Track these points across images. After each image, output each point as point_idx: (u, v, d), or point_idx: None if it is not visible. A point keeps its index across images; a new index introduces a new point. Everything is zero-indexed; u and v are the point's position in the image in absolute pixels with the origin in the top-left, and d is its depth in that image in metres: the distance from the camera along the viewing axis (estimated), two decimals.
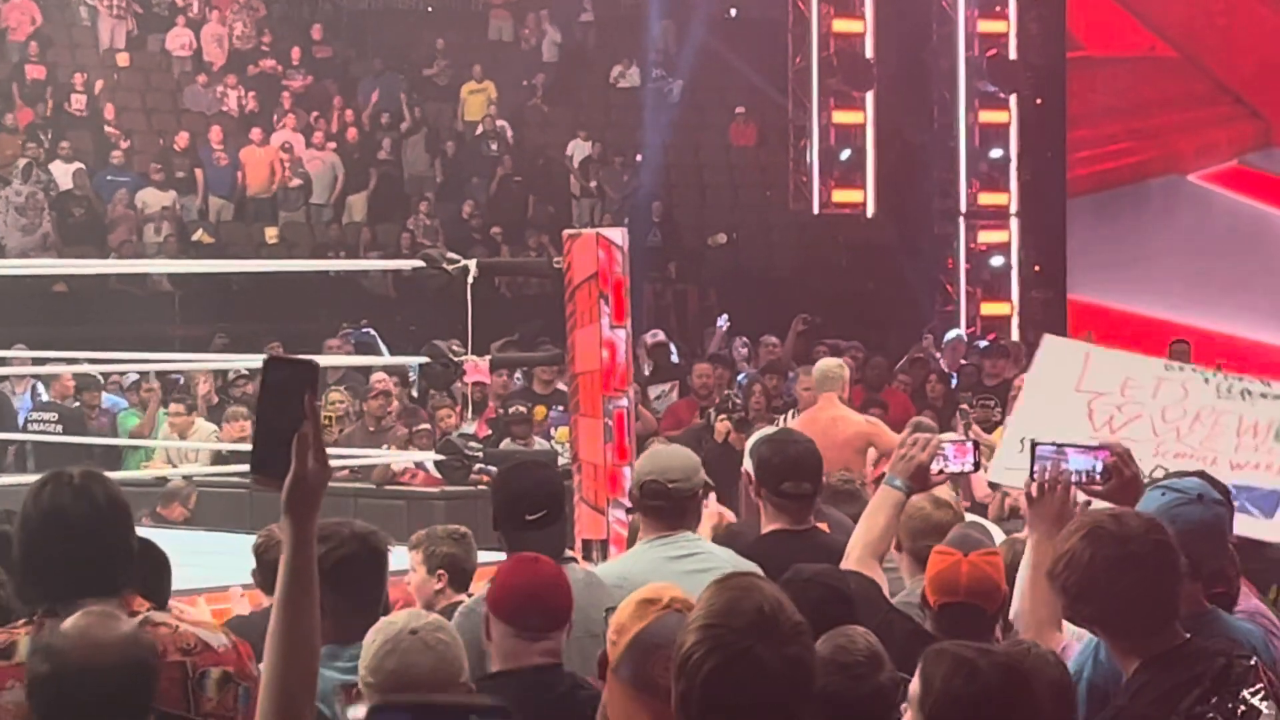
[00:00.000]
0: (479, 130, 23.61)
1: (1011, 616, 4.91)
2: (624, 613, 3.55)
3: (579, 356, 9.30)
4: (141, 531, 4.17)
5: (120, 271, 18.80)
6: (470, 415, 13.01)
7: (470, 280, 9.77)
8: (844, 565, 5.21)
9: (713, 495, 6.64)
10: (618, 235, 9.36)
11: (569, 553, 5.97)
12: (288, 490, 3.06)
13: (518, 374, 14.81)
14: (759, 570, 5.32)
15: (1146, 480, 4.74)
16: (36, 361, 14.65)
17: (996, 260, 21.98)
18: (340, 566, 4.44)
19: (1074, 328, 20.83)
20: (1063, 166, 21.54)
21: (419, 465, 12.54)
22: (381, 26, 25.40)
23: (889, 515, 5.42)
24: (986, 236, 22.06)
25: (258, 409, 3.06)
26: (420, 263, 10.26)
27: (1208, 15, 20.49)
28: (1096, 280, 20.94)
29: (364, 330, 17.96)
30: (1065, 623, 4.39)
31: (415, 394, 15.35)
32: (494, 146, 23.39)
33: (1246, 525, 5.17)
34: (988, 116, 21.88)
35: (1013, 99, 21.78)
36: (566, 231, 10.03)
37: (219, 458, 13.40)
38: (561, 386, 13.94)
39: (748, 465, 6.28)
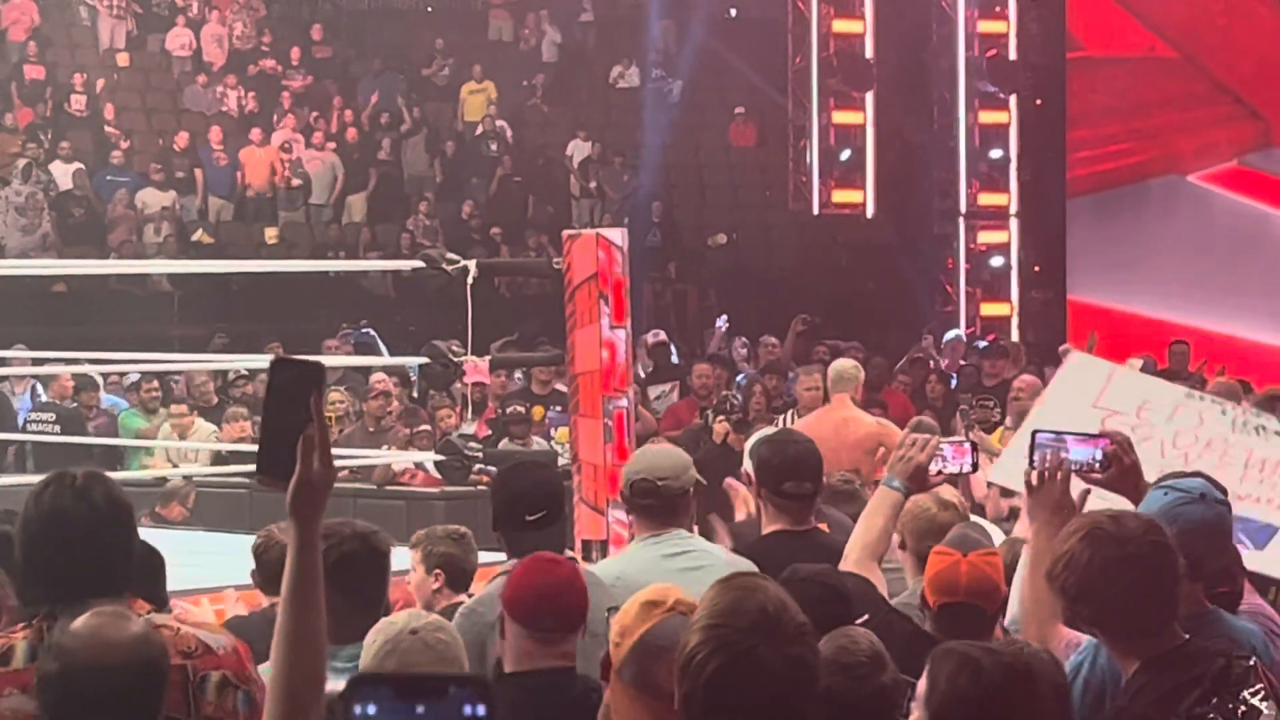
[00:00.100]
0: (479, 130, 23.61)
1: (1009, 621, 4.90)
2: (627, 615, 3.55)
3: (579, 357, 9.30)
4: (140, 532, 4.17)
5: (120, 272, 18.80)
6: (470, 416, 13.01)
7: (470, 281, 9.77)
8: (842, 567, 5.21)
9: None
10: (617, 235, 9.36)
11: (569, 553, 5.98)
12: (292, 492, 3.05)
13: (517, 374, 14.81)
14: (753, 566, 5.34)
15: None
16: (36, 362, 14.65)
17: (996, 260, 21.98)
18: (340, 566, 4.43)
19: (1073, 328, 20.84)
20: (1062, 167, 21.54)
21: (419, 465, 12.54)
22: (381, 26, 25.40)
23: (887, 516, 5.42)
24: (986, 237, 22.06)
25: (264, 411, 3.07)
26: (420, 263, 10.26)
27: (1208, 15, 20.50)
28: (1096, 280, 20.94)
29: (363, 331, 17.96)
30: None
31: (415, 394, 15.35)
32: (494, 147, 23.39)
33: None
34: (987, 117, 21.88)
35: (1013, 99, 21.79)
36: (566, 232, 10.03)
37: (219, 458, 13.41)
38: (560, 387, 13.94)
39: (748, 466, 6.28)
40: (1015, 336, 20.77)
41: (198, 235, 21.36)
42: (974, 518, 6.77)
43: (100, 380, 15.47)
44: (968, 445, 5.62)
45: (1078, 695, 4.13)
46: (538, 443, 12.89)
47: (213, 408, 14.85)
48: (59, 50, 23.06)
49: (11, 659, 3.76)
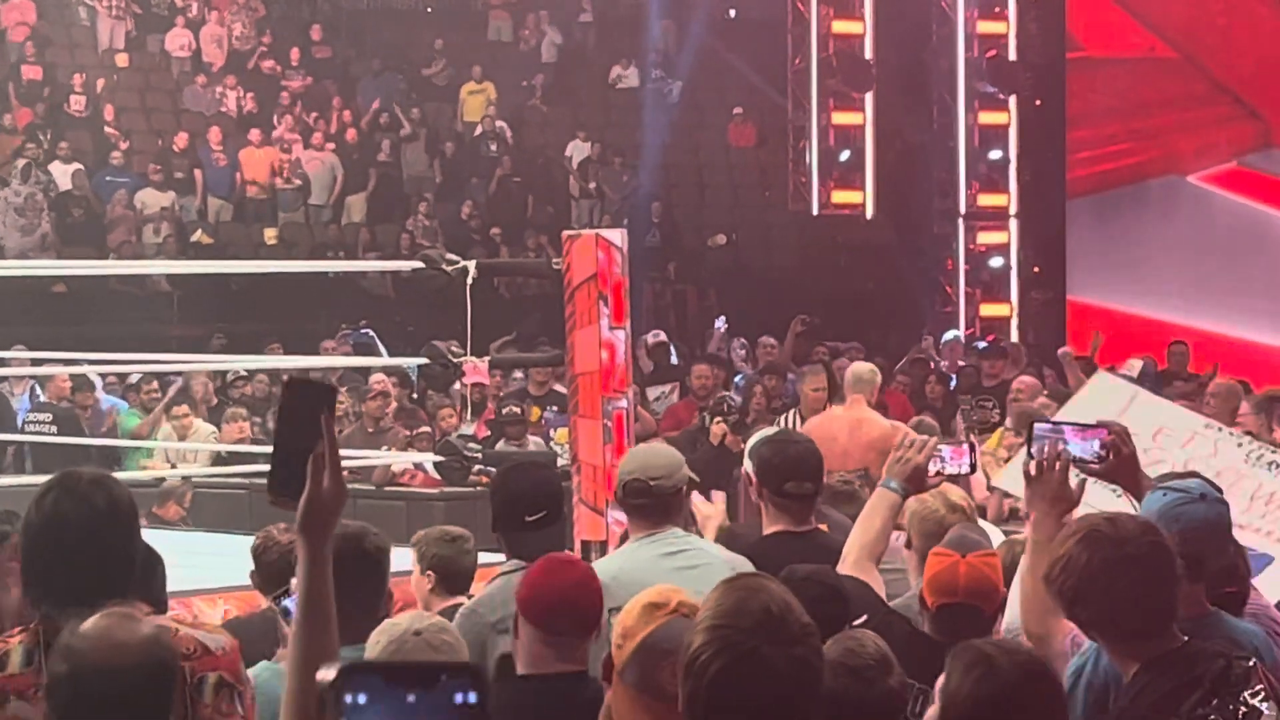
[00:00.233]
0: (478, 131, 23.61)
1: (1006, 626, 4.89)
2: (630, 616, 3.54)
3: (578, 357, 9.29)
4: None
5: (119, 272, 18.80)
6: (469, 416, 13.01)
7: (469, 281, 9.76)
8: (840, 568, 5.21)
9: (721, 496, 6.63)
10: (617, 236, 9.34)
11: (550, 554, 5.96)
12: (302, 511, 3.04)
13: (513, 374, 14.81)
14: (750, 565, 5.34)
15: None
16: (35, 362, 14.65)
17: (996, 261, 21.98)
18: (336, 567, 4.41)
19: (1073, 329, 20.84)
20: (1062, 167, 21.54)
21: (418, 466, 12.54)
22: (381, 27, 25.40)
23: (885, 517, 5.42)
24: (986, 237, 22.06)
25: (276, 431, 3.07)
26: (419, 264, 10.25)
27: (1207, 16, 20.49)
28: (1096, 281, 20.94)
29: (363, 331, 17.96)
30: None
31: (415, 395, 15.35)
32: (493, 147, 23.39)
33: None
34: (987, 117, 21.88)
35: (1012, 100, 21.78)
36: (566, 232, 10.02)
37: (218, 459, 13.40)
38: (558, 388, 13.94)
39: (748, 466, 6.28)
40: (1015, 337, 20.77)
41: (197, 236, 21.36)
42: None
43: (99, 381, 15.48)
44: (966, 446, 5.63)
45: (1080, 697, 4.13)
46: (535, 443, 12.89)
47: (212, 408, 14.86)
48: (58, 50, 23.06)
49: (8, 663, 3.76)
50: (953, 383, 16.25)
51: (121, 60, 23.16)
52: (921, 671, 4.20)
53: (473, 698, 1.48)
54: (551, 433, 13.14)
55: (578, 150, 23.54)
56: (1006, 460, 9.58)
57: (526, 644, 4.31)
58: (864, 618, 4.75)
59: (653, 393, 15.65)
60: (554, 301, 9.83)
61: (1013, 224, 21.94)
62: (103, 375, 15.54)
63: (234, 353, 16.87)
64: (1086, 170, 21.42)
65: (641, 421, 12.11)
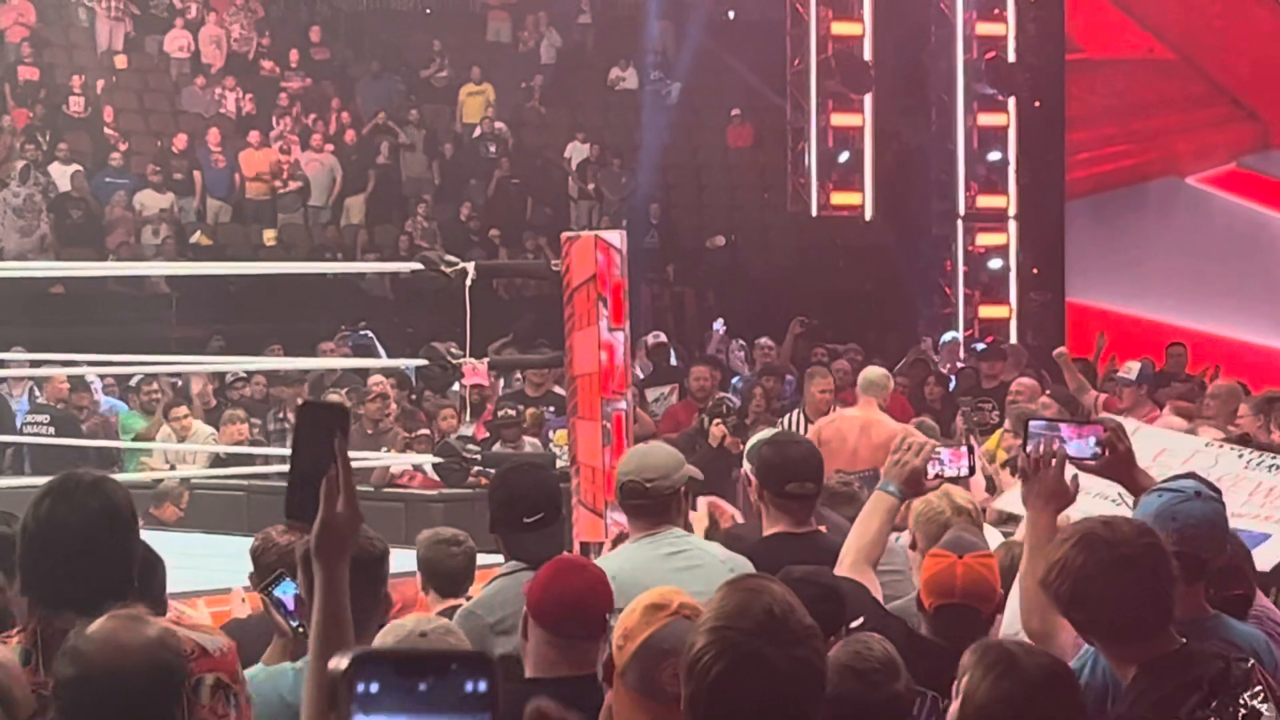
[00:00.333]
0: (477, 132, 23.61)
1: (1005, 628, 4.89)
2: (631, 617, 3.53)
3: (577, 359, 9.29)
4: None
5: (118, 273, 18.80)
6: (468, 418, 13.01)
7: (468, 283, 9.76)
8: (837, 571, 5.20)
9: (704, 503, 6.62)
10: (616, 237, 9.35)
11: (560, 555, 5.96)
12: (315, 535, 3.04)
13: (508, 375, 14.80)
14: (749, 564, 5.34)
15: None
16: (34, 364, 14.65)
17: (995, 263, 21.97)
18: None
19: (1072, 330, 20.83)
20: (1061, 169, 21.53)
21: (417, 468, 12.53)
22: (379, 28, 25.41)
23: (882, 520, 5.42)
24: (985, 239, 22.05)
25: (291, 455, 3.08)
26: (418, 265, 10.26)
27: (1205, 17, 20.49)
28: (1095, 283, 20.94)
29: (361, 333, 17.96)
30: None
31: (415, 396, 15.35)
32: (492, 148, 23.39)
33: None
34: (986, 119, 21.87)
35: (1011, 101, 21.77)
36: (565, 234, 10.03)
37: (217, 460, 13.41)
38: (556, 389, 13.94)
39: (747, 468, 6.28)
40: (1014, 338, 20.76)
41: (196, 237, 21.37)
42: None
43: (99, 382, 15.48)
44: (965, 449, 5.63)
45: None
46: (531, 444, 12.90)
47: (211, 410, 14.86)
48: (57, 52, 23.06)
49: None
50: (951, 384, 16.25)
51: (120, 62, 23.16)
52: (919, 674, 4.20)
53: (483, 686, 1.49)
54: (551, 434, 13.15)
55: (576, 151, 23.54)
56: (1008, 458, 9.59)
57: (535, 647, 4.28)
58: (860, 620, 4.75)
59: (652, 394, 15.65)
60: (551, 303, 9.84)
61: (1011, 225, 21.93)
62: (101, 376, 15.54)
63: (233, 354, 16.87)
64: (1085, 172, 21.41)
65: (640, 423, 12.11)
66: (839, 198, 22.21)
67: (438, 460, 10.85)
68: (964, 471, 5.60)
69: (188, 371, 15.06)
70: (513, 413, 12.99)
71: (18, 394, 15.51)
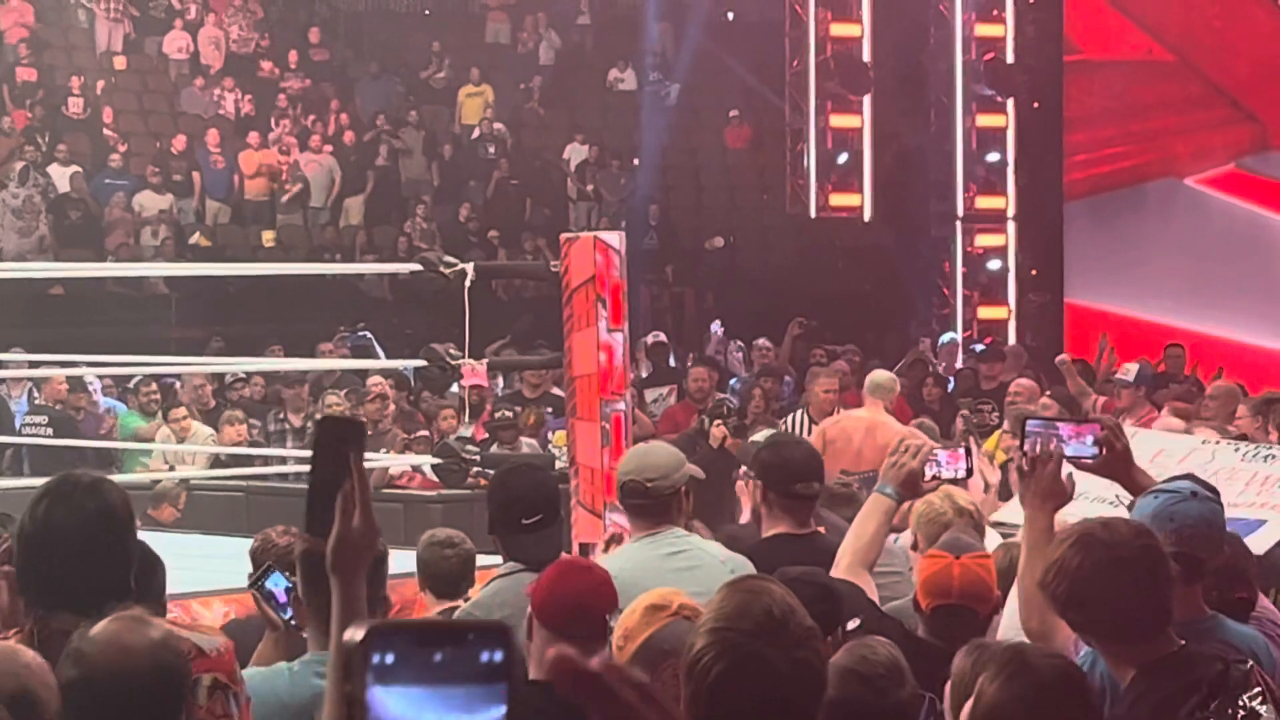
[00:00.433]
0: (476, 133, 23.61)
1: (1003, 631, 4.89)
2: (631, 618, 3.54)
3: (576, 360, 9.29)
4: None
5: (117, 274, 18.80)
6: (467, 419, 13.01)
7: (467, 284, 9.76)
8: (834, 573, 5.21)
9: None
10: (615, 238, 9.34)
11: (565, 556, 5.96)
12: (331, 549, 3.04)
13: (500, 376, 14.80)
14: (749, 563, 5.34)
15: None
16: (33, 364, 14.65)
17: (993, 264, 21.97)
18: (319, 571, 4.39)
19: (1071, 331, 20.84)
20: (1060, 170, 21.53)
21: (416, 469, 12.53)
22: (378, 29, 25.40)
23: (879, 523, 5.42)
24: (983, 240, 22.05)
25: (310, 470, 3.08)
26: (418, 266, 10.26)
27: (1204, 19, 20.49)
28: (1093, 284, 20.94)
29: (360, 334, 17.96)
30: None
31: (413, 397, 15.35)
32: (491, 149, 23.39)
33: None
34: (985, 120, 21.87)
35: (1010, 103, 21.78)
36: (564, 235, 10.03)
37: (216, 461, 13.40)
38: (555, 390, 13.94)
39: (749, 469, 6.27)
40: (1012, 340, 20.76)
41: (195, 238, 21.37)
42: None
43: (98, 383, 15.48)
44: (962, 451, 5.63)
45: None
46: (528, 445, 12.90)
47: (210, 410, 14.85)
48: (56, 53, 23.06)
49: None
50: (950, 385, 16.25)
51: (119, 63, 23.16)
52: (916, 675, 4.20)
53: (498, 657, 1.49)
54: (550, 435, 13.15)
55: (575, 153, 23.54)
56: (1006, 459, 9.60)
57: (540, 648, 4.28)
58: (858, 621, 4.75)
59: (650, 395, 15.65)
60: (550, 304, 9.83)
61: (1010, 226, 21.93)
62: (100, 377, 15.54)
63: (232, 355, 16.87)
64: (1084, 173, 21.42)
65: (639, 424, 12.12)
66: (838, 199, 22.21)
67: (437, 461, 10.85)
68: (961, 473, 5.61)
69: (187, 372, 15.05)
70: (510, 414, 12.99)
71: (17, 395, 15.51)
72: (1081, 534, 4.04)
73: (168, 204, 21.26)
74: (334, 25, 25.10)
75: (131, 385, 15.58)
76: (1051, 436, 4.66)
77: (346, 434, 3.03)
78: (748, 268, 23.36)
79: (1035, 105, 21.78)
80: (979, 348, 19.44)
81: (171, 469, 13.60)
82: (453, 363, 10.07)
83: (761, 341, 17.53)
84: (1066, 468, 4.66)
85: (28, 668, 3.29)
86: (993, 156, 21.90)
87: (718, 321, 19.95)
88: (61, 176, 20.91)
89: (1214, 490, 4.64)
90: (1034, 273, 21.87)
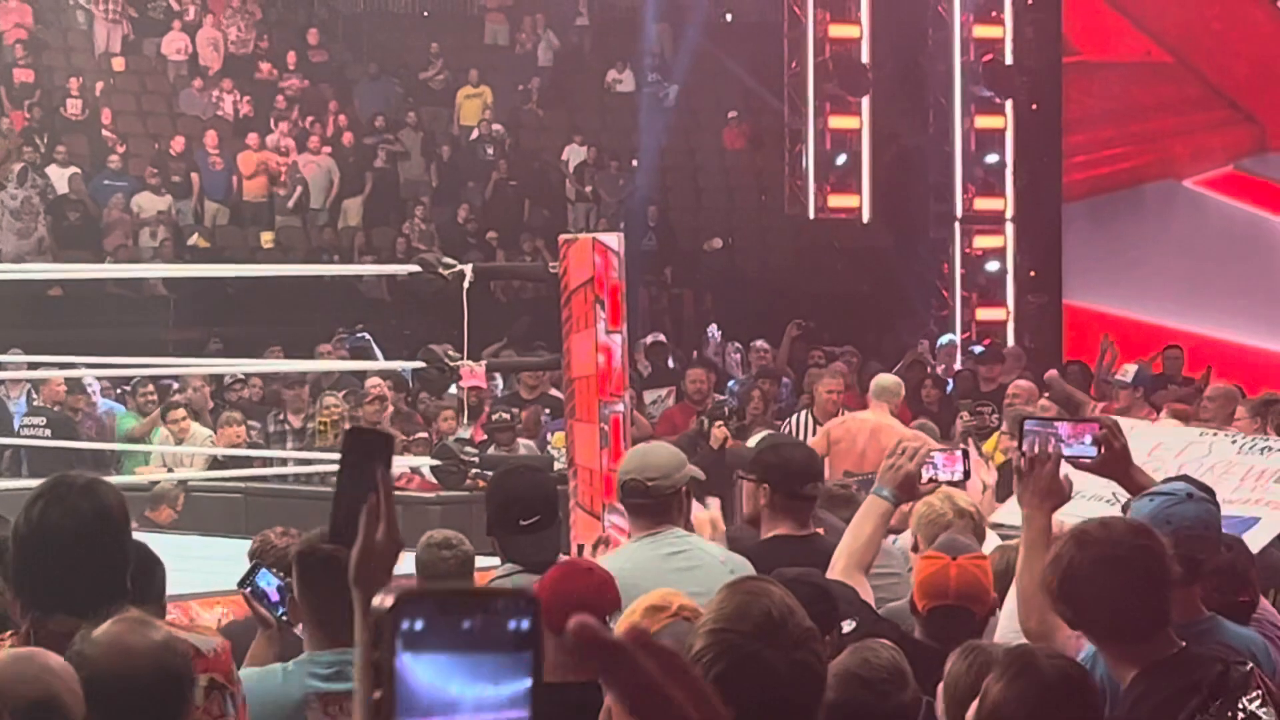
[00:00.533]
0: (474, 134, 23.61)
1: (1000, 633, 4.89)
2: (631, 619, 3.54)
3: (575, 361, 9.29)
4: (134, 536, 4.18)
5: (115, 276, 18.79)
6: (466, 420, 13.01)
7: (466, 285, 9.76)
8: (829, 575, 5.20)
9: (716, 501, 6.62)
10: (613, 240, 9.34)
11: (563, 558, 5.96)
12: (355, 561, 3.04)
13: (497, 378, 14.80)
14: (748, 563, 5.34)
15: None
16: (32, 366, 14.65)
17: (992, 265, 21.97)
18: (308, 574, 4.39)
19: (1069, 333, 20.85)
20: (1058, 171, 21.54)
21: (415, 470, 12.53)
22: (377, 31, 25.39)
23: (875, 525, 5.41)
24: (982, 241, 22.05)
25: (336, 481, 3.09)
26: (416, 267, 10.26)
27: (1203, 20, 20.50)
28: (1092, 285, 20.94)
29: (359, 335, 17.95)
30: None
31: (411, 399, 15.34)
32: (489, 151, 23.39)
33: None
34: (983, 121, 21.88)
35: (1008, 104, 21.78)
36: (562, 236, 10.02)
37: (214, 462, 13.40)
38: (553, 391, 13.94)
39: (750, 470, 6.26)
40: (1011, 341, 20.76)
41: (193, 239, 21.36)
42: None
43: (97, 384, 15.47)
44: (959, 453, 5.63)
45: None
46: (525, 446, 12.90)
47: (208, 412, 14.85)
48: (54, 54, 23.06)
49: None
50: (949, 387, 16.25)
51: (118, 64, 23.15)
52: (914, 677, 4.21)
53: (526, 625, 1.50)
54: (549, 437, 13.15)
55: (574, 154, 23.54)
56: (1005, 459, 9.60)
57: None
58: (853, 622, 4.74)
59: (649, 396, 15.66)
60: (547, 305, 9.83)
61: (1009, 228, 21.93)
62: (99, 379, 15.53)
63: (230, 356, 16.86)
64: (1083, 174, 21.42)
65: (637, 425, 12.12)
66: (836, 200, 22.21)
67: (435, 463, 10.85)
68: (958, 476, 5.60)
69: (185, 374, 15.04)
70: (507, 416, 12.99)
71: (15, 396, 15.51)
72: (1079, 531, 4.06)
73: (166, 205, 21.26)
74: (332, 26, 25.10)
75: (130, 387, 15.58)
76: (1050, 436, 4.66)
77: (373, 447, 3.05)
78: (746, 269, 23.35)
79: (1034, 106, 21.78)
80: (977, 349, 19.44)
81: (170, 470, 13.59)
82: (451, 364, 10.07)
83: (760, 343, 17.54)
84: (1064, 468, 4.66)
85: (53, 672, 3.29)
86: (991, 158, 21.91)
87: (714, 325, 19.96)
88: (60, 178, 20.91)
89: (1210, 491, 4.64)
90: (1032, 274, 21.87)
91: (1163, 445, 5.95)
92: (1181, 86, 20.61)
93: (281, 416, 14.87)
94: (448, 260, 10.12)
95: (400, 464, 12.48)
